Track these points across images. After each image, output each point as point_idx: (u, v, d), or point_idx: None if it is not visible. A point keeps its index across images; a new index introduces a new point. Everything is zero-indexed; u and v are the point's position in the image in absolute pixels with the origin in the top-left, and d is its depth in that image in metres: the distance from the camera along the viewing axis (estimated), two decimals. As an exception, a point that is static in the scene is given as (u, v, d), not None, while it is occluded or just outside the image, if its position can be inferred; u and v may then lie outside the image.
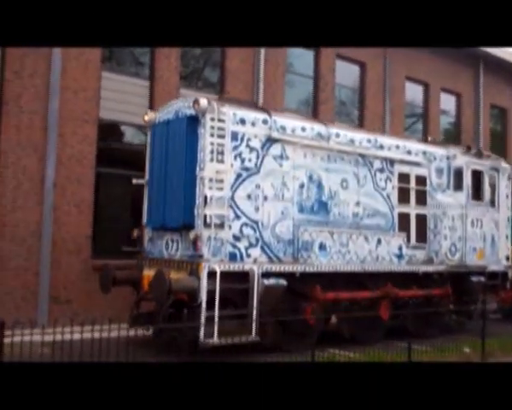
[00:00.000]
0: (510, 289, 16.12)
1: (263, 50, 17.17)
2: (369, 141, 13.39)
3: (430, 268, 14.01)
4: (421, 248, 14.10)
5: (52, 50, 13.45)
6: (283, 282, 11.29)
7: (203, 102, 10.93)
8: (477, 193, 15.13)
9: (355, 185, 13.05)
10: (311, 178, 12.34)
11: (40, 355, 7.62)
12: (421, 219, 14.22)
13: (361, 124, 20.05)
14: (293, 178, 12.04)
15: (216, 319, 10.33)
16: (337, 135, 12.84)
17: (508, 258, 15.78)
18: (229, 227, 11.06)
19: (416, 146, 14.51)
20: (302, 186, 12.20)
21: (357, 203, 13.05)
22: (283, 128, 11.98)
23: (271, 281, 11.15)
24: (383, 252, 13.11)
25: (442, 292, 14.26)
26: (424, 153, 14.52)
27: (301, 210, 12.14)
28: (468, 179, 14.91)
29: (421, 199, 14.30)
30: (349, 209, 12.90)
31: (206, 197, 10.78)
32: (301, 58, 18.65)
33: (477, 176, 15.08)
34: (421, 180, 14.35)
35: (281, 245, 11.74)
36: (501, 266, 15.60)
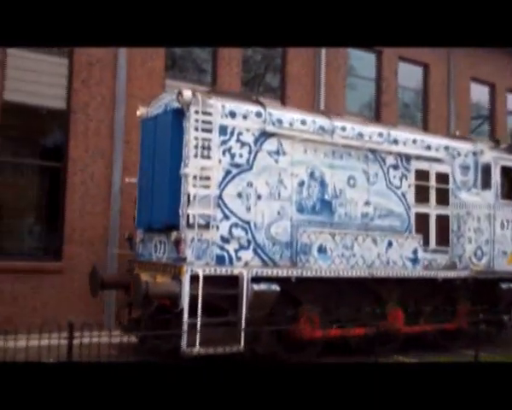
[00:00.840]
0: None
1: (323, 53, 16.84)
2: (380, 135, 12.35)
3: (451, 274, 12.80)
4: (442, 252, 12.93)
5: (117, 59, 13.71)
6: (276, 287, 10.40)
7: (187, 93, 10.20)
8: (508, 192, 13.79)
9: (364, 183, 12.03)
10: (312, 175, 11.41)
11: (108, 356, 8.03)
12: (443, 221, 13.05)
13: (425, 127, 19.26)
14: (291, 176, 11.15)
15: (198, 327, 9.56)
16: (343, 128, 11.86)
17: None
18: (217, 228, 10.27)
19: (436, 141, 13.34)
20: (302, 184, 11.28)
21: (367, 203, 12.03)
22: (280, 121, 11.10)
23: (262, 286, 10.27)
24: (394, 256, 12.01)
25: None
26: (446, 148, 13.34)
27: (301, 210, 11.22)
28: (496, 176, 13.62)
29: (443, 198, 13.12)
30: (357, 209, 11.89)
31: (189, 196, 10.04)
32: (362, 60, 18.17)
33: (508, 173, 13.75)
34: (442, 178, 13.17)
35: (277, 248, 10.86)
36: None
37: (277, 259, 10.83)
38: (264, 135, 10.92)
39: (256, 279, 10.27)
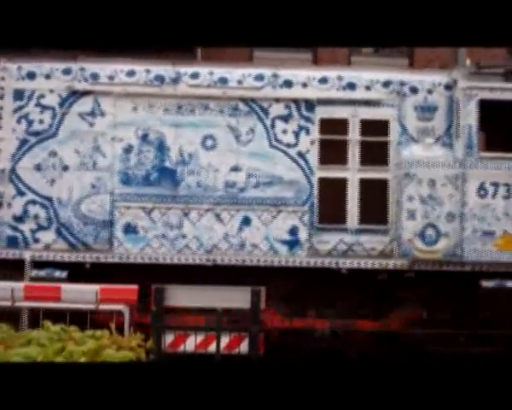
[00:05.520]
0: None
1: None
2: (259, 78, 9.29)
3: (367, 264, 9.12)
4: (374, 232, 9.26)
5: (457, 55, 12.49)
6: (61, 274, 8.94)
7: (-32, 58, 9.23)
8: (494, 139, 9.11)
9: (231, 143, 9.28)
10: (145, 137, 9.27)
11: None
12: (376, 188, 9.30)
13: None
14: (112, 141, 9.25)
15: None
16: (194, 75, 9.28)
17: None
18: (9, 206, 9.21)
19: (367, 76, 9.38)
20: (129, 150, 9.27)
21: (236, 168, 9.28)
22: (95, 76, 9.23)
23: (41, 273, 8.95)
24: (255, 237, 9.09)
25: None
26: (387, 84, 9.33)
27: (127, 181, 9.27)
28: (470, 117, 9.05)
29: (377, 157, 9.32)
30: (218, 177, 9.28)
31: (-28, 172, 9.19)
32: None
33: (492, 110, 9.01)
34: (376, 127, 9.33)
35: (90, 228, 9.24)
36: None
37: (91, 241, 9.23)
38: (75, 94, 9.25)
39: (40, 264, 8.99)
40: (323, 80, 9.30)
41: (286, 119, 9.27)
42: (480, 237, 9.00)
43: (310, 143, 9.28)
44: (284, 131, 9.27)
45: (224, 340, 8.44)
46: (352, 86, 9.30)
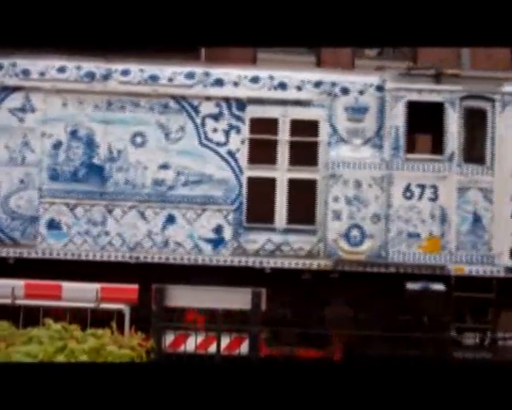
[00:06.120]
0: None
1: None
2: (190, 76, 9.29)
3: (298, 264, 9.08)
4: (302, 232, 9.21)
5: (461, 58, 13.05)
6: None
7: None
8: (428, 142, 9.09)
9: (160, 141, 9.26)
10: (74, 134, 9.26)
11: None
12: (305, 188, 9.26)
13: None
14: (41, 136, 9.24)
15: None
16: (125, 72, 9.27)
17: (519, 253, 9.06)
18: None
19: (300, 76, 9.38)
20: (58, 146, 9.26)
21: (165, 166, 9.26)
22: (26, 72, 9.24)
23: (-36, 268, 8.94)
24: (180, 235, 9.06)
25: None
26: (319, 85, 9.31)
27: (55, 177, 9.25)
28: (397, 118, 9.03)
29: (307, 157, 9.29)
30: (147, 175, 9.26)
31: None
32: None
33: (421, 111, 8.98)
34: (306, 127, 9.30)
35: (17, 223, 9.22)
36: (498, 268, 9.04)
37: (18, 236, 9.20)
38: (6, 90, 9.25)
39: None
40: (255, 80, 9.29)
41: (216, 117, 9.26)
42: (406, 238, 8.95)
43: (240, 142, 9.26)
44: (214, 130, 9.25)
45: (225, 341, 8.48)
46: (283, 86, 9.29)
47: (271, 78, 9.30)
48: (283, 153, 9.24)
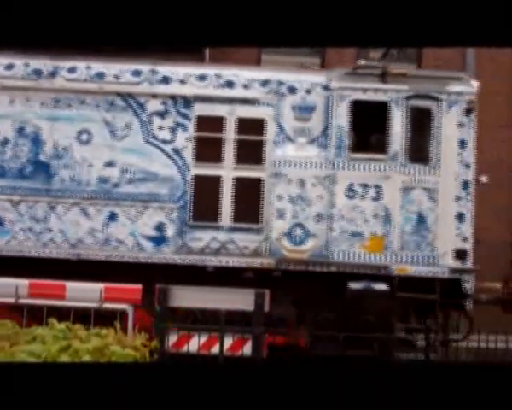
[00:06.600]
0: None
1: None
2: (136, 73, 9.28)
3: (240, 262, 9.04)
4: (248, 231, 9.16)
5: (466, 60, 13.00)
6: None
7: None
8: (368, 140, 9.02)
9: (106, 138, 9.25)
10: (21, 131, 9.27)
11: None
12: (251, 187, 9.22)
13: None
14: (-12, 133, 9.27)
15: None
16: (71, 70, 9.27)
17: (462, 254, 8.96)
18: None
19: (246, 74, 9.35)
20: (5, 143, 9.26)
21: (110, 163, 9.25)
22: (-26, 69, 9.28)
23: None
24: (121, 233, 9.04)
25: None
26: (266, 83, 9.27)
27: (1, 174, 9.25)
28: (341, 117, 8.97)
29: (253, 155, 9.25)
30: (93, 172, 9.26)
31: None
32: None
33: (366, 110, 8.92)
34: (253, 125, 9.27)
35: (-36, 219, 9.25)
36: (442, 269, 8.95)
37: (-36, 232, 9.23)
38: (-47, 87, 9.30)
39: None
40: (202, 77, 9.27)
41: (162, 115, 9.24)
42: (348, 238, 8.89)
43: (186, 140, 9.23)
44: (160, 128, 9.23)
45: (228, 341, 8.44)
46: (230, 84, 9.26)
47: (218, 76, 9.28)
48: (229, 151, 9.21)
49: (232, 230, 9.14)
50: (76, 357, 6.00)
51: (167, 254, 9.00)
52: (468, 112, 8.90)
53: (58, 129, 9.23)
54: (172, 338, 8.61)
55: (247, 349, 8.65)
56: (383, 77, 8.99)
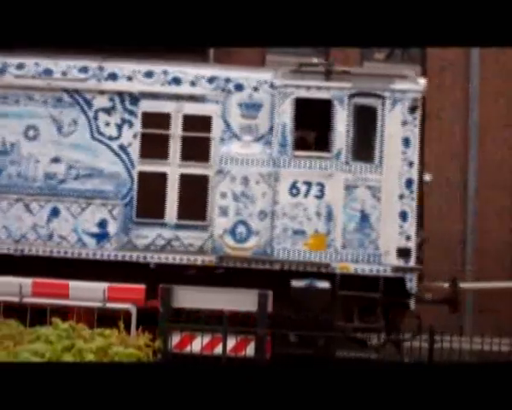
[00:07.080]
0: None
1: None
2: (84, 70, 9.31)
3: (182, 259, 9.01)
4: (193, 228, 9.16)
5: (470, 61, 13.23)
6: None
7: None
8: (309, 138, 9.01)
9: (52, 134, 9.27)
10: (-30, 127, 9.32)
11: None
12: (197, 184, 9.22)
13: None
14: None
15: None
16: (20, 66, 9.32)
17: (406, 252, 8.90)
18: None
19: (193, 71, 9.36)
20: (-47, 139, 9.32)
21: (56, 159, 9.27)
22: None
23: None
24: (64, 229, 9.04)
25: None
26: (212, 80, 9.28)
27: None
28: (284, 115, 8.96)
29: (199, 152, 9.25)
30: (39, 168, 9.28)
31: None
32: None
33: (309, 108, 8.90)
34: (199, 122, 9.27)
35: None
36: (385, 267, 8.89)
37: None
38: None
39: None
40: (148, 74, 9.29)
41: (109, 111, 9.26)
42: (291, 235, 8.86)
43: (132, 136, 9.24)
44: (107, 124, 9.25)
45: (231, 342, 8.44)
46: (177, 81, 9.27)
47: (165, 72, 9.29)
48: (175, 148, 9.21)
49: (178, 227, 9.12)
50: (79, 357, 6.04)
51: (110, 251, 8.99)
52: (412, 110, 8.87)
53: (5, 125, 9.26)
54: (176, 338, 8.59)
55: (251, 350, 8.63)
56: (327, 75, 8.97)
